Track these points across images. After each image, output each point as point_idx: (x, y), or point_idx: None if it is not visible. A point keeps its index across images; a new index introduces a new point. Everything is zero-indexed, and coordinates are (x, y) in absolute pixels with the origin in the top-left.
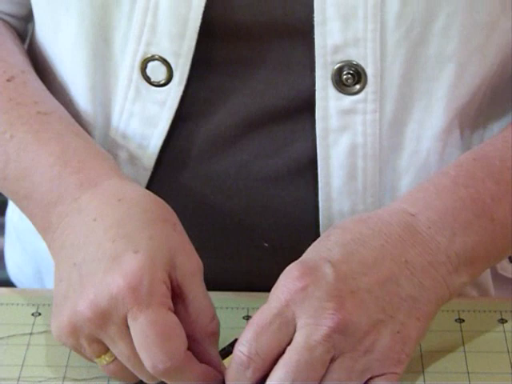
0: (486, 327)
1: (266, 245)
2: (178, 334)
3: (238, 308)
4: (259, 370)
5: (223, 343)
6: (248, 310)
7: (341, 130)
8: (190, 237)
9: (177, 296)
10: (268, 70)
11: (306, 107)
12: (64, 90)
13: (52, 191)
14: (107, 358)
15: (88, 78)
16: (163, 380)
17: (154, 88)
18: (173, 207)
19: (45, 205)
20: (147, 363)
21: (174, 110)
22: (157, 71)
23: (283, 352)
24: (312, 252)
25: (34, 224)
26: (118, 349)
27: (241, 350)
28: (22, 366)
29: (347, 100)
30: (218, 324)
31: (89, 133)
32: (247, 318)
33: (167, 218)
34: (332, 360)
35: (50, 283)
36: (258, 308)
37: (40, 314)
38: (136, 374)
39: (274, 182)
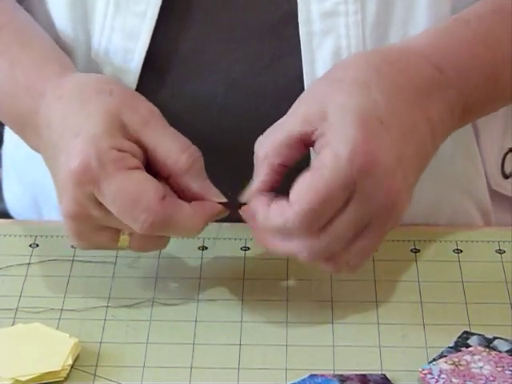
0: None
1: None
2: (145, 188)
3: (235, 239)
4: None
5: (222, 274)
6: (246, 240)
7: (324, 33)
8: None
9: (144, 149)
10: None
11: (290, 20)
12: (44, 8)
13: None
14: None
15: None
16: (160, 234)
17: (133, 0)
18: None
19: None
20: (133, 227)
21: (154, 20)
22: None
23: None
24: (356, 98)
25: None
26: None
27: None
28: (20, 296)
29: (329, 2)
30: (194, 155)
31: (70, 56)
32: (245, 248)
33: (101, 87)
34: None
35: (47, 213)
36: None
37: (38, 246)
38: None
39: (263, 100)
